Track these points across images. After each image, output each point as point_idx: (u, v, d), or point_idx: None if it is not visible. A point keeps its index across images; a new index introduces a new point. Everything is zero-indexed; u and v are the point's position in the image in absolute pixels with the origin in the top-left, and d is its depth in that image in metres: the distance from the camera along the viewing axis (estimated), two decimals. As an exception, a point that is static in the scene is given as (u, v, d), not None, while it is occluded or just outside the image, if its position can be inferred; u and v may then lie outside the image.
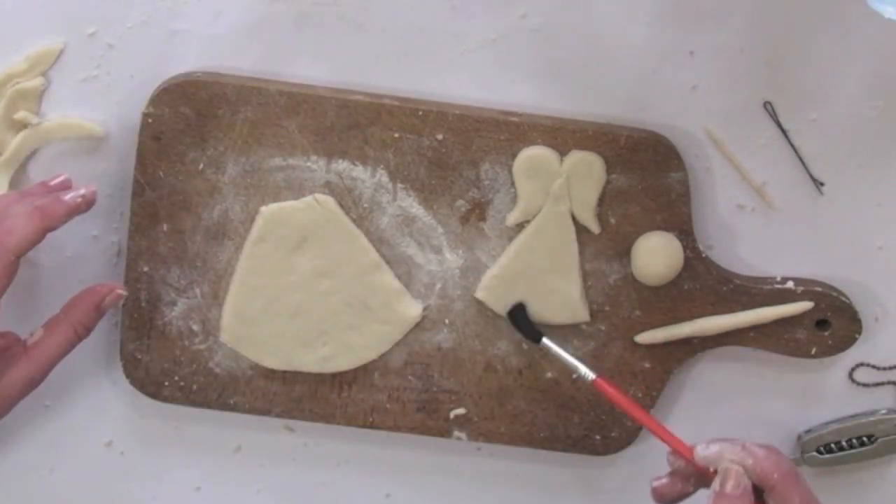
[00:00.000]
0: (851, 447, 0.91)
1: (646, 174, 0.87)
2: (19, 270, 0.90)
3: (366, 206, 0.88)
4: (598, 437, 0.91)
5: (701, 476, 0.82)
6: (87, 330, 0.85)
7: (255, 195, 0.88)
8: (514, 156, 0.87)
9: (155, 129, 0.87)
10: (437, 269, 0.89)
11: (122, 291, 0.86)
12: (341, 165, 0.87)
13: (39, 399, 0.93)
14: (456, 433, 0.90)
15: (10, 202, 0.83)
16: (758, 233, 0.90)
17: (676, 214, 0.87)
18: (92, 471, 0.94)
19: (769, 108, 0.88)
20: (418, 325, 0.89)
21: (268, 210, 0.87)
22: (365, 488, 0.95)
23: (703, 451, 0.81)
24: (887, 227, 0.90)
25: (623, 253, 0.88)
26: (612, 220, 0.88)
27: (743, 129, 0.88)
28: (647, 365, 0.90)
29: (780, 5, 0.86)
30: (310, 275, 0.87)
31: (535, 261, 0.88)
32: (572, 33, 0.87)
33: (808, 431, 0.92)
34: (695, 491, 0.83)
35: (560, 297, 0.88)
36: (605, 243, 0.88)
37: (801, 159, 0.89)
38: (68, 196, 0.84)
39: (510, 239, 0.88)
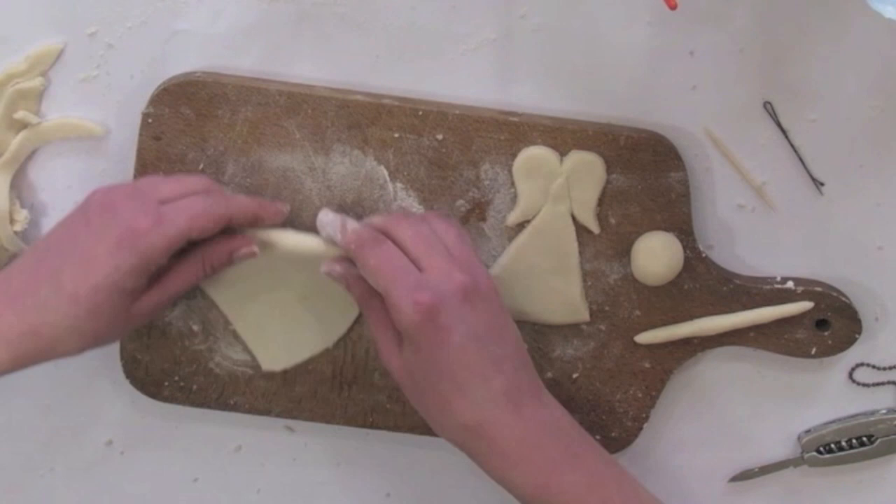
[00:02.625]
0: (851, 447, 0.91)
1: (646, 174, 0.87)
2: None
3: (366, 206, 0.88)
4: (597, 437, 0.90)
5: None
6: (214, 270, 0.84)
7: (254, 195, 0.87)
8: (514, 156, 0.87)
9: (155, 129, 0.87)
10: (437, 269, 0.89)
11: (255, 250, 0.85)
12: (341, 166, 0.87)
13: (39, 399, 0.93)
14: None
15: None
16: (758, 233, 0.90)
17: (676, 214, 0.87)
18: (92, 470, 0.94)
19: (769, 108, 0.88)
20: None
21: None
22: (365, 488, 0.95)
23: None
24: (887, 227, 0.90)
25: (623, 253, 0.88)
26: (612, 220, 0.88)
27: (743, 129, 0.88)
28: (647, 365, 0.90)
29: (780, 5, 0.86)
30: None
31: (535, 261, 0.88)
32: (572, 33, 0.87)
33: (808, 431, 0.92)
34: None
35: (560, 297, 0.88)
36: (605, 243, 0.88)
37: (801, 159, 0.89)
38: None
39: (510, 239, 0.88)
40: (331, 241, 0.84)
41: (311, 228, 0.87)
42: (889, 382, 0.92)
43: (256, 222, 0.85)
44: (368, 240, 0.81)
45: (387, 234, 0.82)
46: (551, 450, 0.80)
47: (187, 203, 0.81)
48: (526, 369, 0.82)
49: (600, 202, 0.87)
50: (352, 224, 0.83)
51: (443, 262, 0.80)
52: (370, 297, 0.83)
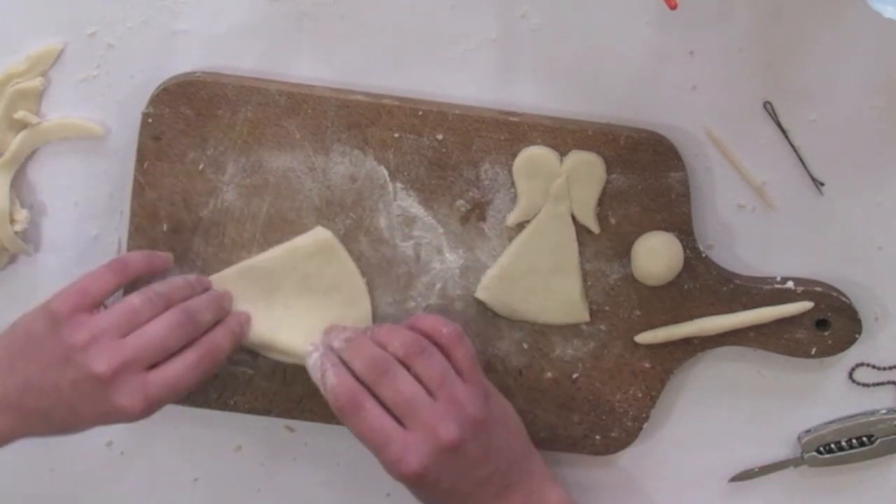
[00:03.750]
0: (851, 447, 0.91)
1: (646, 174, 0.87)
2: (21, 270, 0.91)
3: (366, 205, 0.88)
4: (598, 437, 0.91)
5: None
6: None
7: (255, 195, 0.88)
8: (514, 156, 0.87)
9: (155, 129, 0.87)
10: (437, 269, 0.89)
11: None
12: (341, 166, 0.87)
13: (39, 399, 0.93)
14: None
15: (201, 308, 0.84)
16: (758, 233, 0.90)
17: (676, 214, 0.87)
18: (92, 471, 0.94)
19: (769, 108, 0.88)
20: (418, 325, 0.89)
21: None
22: (365, 488, 0.95)
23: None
24: (887, 227, 0.90)
25: (623, 253, 0.88)
26: (612, 220, 0.88)
27: (743, 129, 0.88)
28: (647, 365, 0.90)
29: (780, 5, 0.86)
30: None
31: (535, 261, 0.88)
32: (572, 33, 0.87)
33: (808, 431, 0.92)
34: None
35: (560, 297, 0.88)
36: (605, 243, 0.88)
37: (801, 159, 0.89)
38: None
39: (510, 239, 0.88)
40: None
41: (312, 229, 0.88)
42: (889, 382, 0.92)
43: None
44: (347, 404, 0.81)
45: (372, 382, 0.82)
46: None
47: (175, 377, 0.81)
48: (516, 464, 0.84)
49: (600, 202, 0.87)
50: (329, 379, 0.82)
51: (426, 419, 0.80)
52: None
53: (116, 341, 0.80)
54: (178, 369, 0.81)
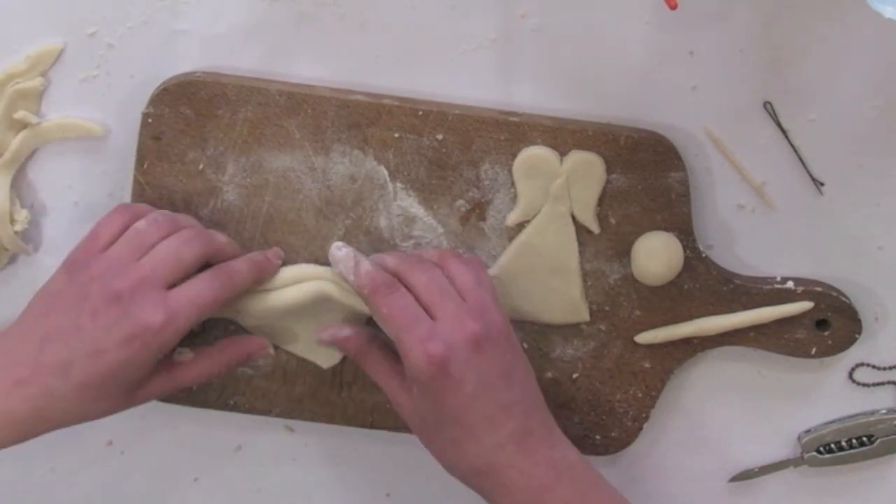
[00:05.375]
0: (851, 447, 0.91)
1: (646, 174, 0.87)
2: (21, 270, 0.91)
3: (366, 206, 0.88)
4: (598, 437, 0.91)
5: None
6: (230, 370, 0.87)
7: (255, 195, 0.88)
8: (514, 156, 0.87)
9: (155, 129, 0.87)
10: (437, 269, 0.89)
11: (272, 352, 0.88)
12: (341, 166, 0.87)
13: (39, 399, 0.93)
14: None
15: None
16: (758, 233, 0.90)
17: (676, 214, 0.87)
18: (92, 470, 0.94)
19: (769, 108, 0.88)
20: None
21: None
22: (365, 488, 0.95)
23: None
24: (887, 227, 0.90)
25: (623, 253, 0.88)
26: (612, 220, 0.88)
27: (743, 129, 0.88)
28: (647, 365, 0.90)
29: (780, 5, 0.86)
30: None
31: (535, 261, 0.88)
32: (572, 33, 0.87)
33: (808, 431, 0.92)
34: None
35: (560, 297, 0.88)
36: (605, 243, 0.88)
37: (801, 159, 0.89)
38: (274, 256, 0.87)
39: (510, 239, 0.88)
40: (342, 279, 0.85)
41: (312, 229, 0.88)
42: (889, 382, 0.92)
43: (258, 284, 0.86)
44: (381, 285, 0.82)
45: (399, 278, 0.82)
46: (561, 491, 0.81)
47: (195, 292, 0.81)
48: (537, 411, 0.82)
49: (600, 202, 0.87)
50: (364, 265, 0.83)
51: (455, 310, 0.81)
52: (367, 351, 0.85)
53: (132, 263, 0.81)
54: (196, 284, 0.82)
